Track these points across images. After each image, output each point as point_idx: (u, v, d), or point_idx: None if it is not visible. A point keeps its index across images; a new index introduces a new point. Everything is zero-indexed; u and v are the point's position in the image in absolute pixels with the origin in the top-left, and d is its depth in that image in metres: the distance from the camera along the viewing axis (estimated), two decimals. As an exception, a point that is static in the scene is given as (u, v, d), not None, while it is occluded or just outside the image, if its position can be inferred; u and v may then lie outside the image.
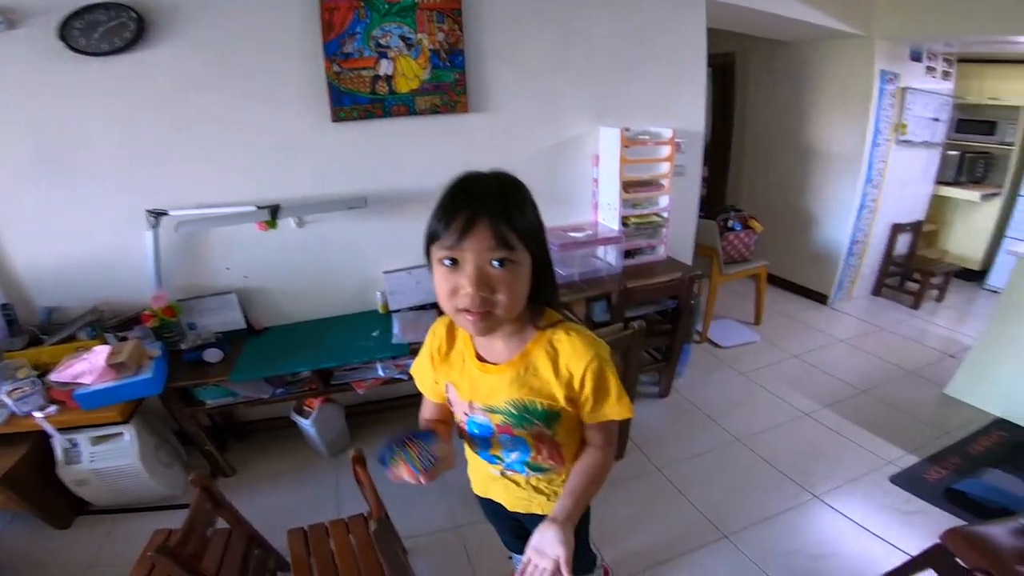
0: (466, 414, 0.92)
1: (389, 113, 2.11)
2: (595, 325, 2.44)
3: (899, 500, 1.92)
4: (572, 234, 2.45)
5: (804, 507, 1.92)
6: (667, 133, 2.43)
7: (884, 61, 3.15)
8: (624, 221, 2.47)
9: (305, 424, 2.14)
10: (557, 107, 2.40)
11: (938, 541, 1.31)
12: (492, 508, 1.12)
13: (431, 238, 0.73)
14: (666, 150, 2.47)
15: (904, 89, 3.31)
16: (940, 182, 3.91)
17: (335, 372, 2.10)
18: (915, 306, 3.68)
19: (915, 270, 3.77)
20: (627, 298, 2.32)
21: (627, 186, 2.43)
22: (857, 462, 2.14)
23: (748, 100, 4.00)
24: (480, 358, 0.88)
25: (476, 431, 0.94)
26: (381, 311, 2.33)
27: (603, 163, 2.50)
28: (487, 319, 0.73)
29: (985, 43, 3.29)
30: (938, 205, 4.04)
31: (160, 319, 2.01)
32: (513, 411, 0.86)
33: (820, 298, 3.78)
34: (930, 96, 3.46)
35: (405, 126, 2.17)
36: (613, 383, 0.84)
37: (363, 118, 2.09)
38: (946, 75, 3.54)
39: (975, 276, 4.05)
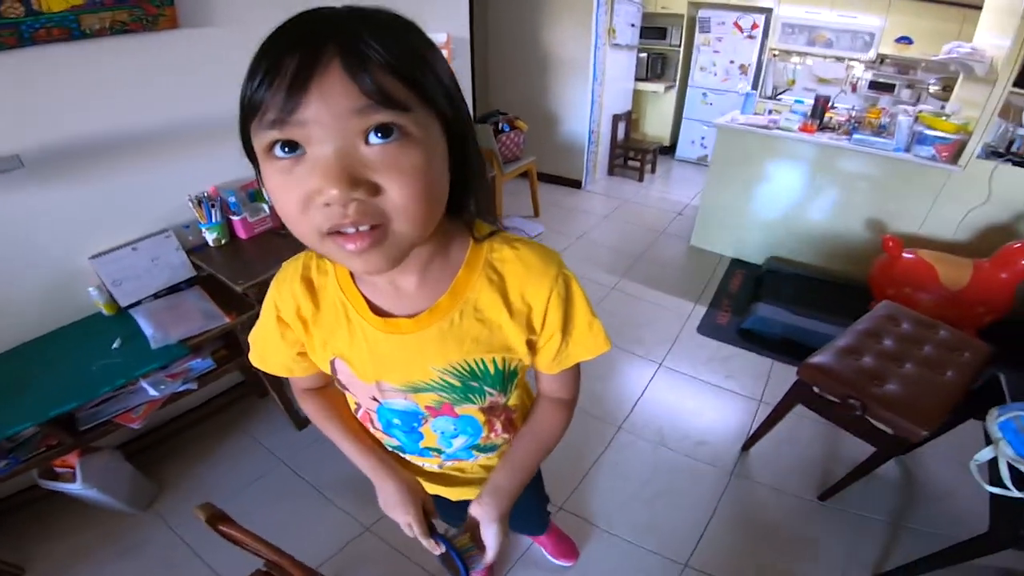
0: (375, 399, 0.61)
1: (31, 40, 1.28)
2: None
3: (713, 349, 2.28)
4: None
5: (659, 377, 2.13)
6: (442, 38, 2.18)
7: (600, -27, 3.38)
8: (411, 134, 2.19)
9: (75, 489, 1.39)
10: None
11: (797, 377, 1.49)
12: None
13: (247, 114, 0.39)
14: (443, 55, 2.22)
15: (613, -1, 3.65)
16: (637, 79, 4.60)
17: (77, 414, 1.37)
18: (640, 179, 4.44)
19: (631, 150, 4.50)
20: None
21: (409, 96, 2.11)
22: (669, 322, 2.47)
23: (489, 10, 3.89)
24: (378, 311, 0.54)
25: (395, 422, 0.62)
26: (108, 312, 1.54)
27: (375, 74, 2.10)
28: (379, 243, 0.40)
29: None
30: (637, 97, 4.78)
31: None
32: (453, 382, 0.57)
33: (575, 184, 4.21)
34: (629, 4, 3.92)
35: (69, 54, 1.34)
36: (583, 307, 0.58)
37: (-24, 51, 1.21)
38: (636, -15, 4.02)
39: (668, 151, 5.09)
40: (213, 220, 1.67)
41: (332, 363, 0.59)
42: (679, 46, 4.67)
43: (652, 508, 1.59)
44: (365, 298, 0.55)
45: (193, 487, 1.63)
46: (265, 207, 1.78)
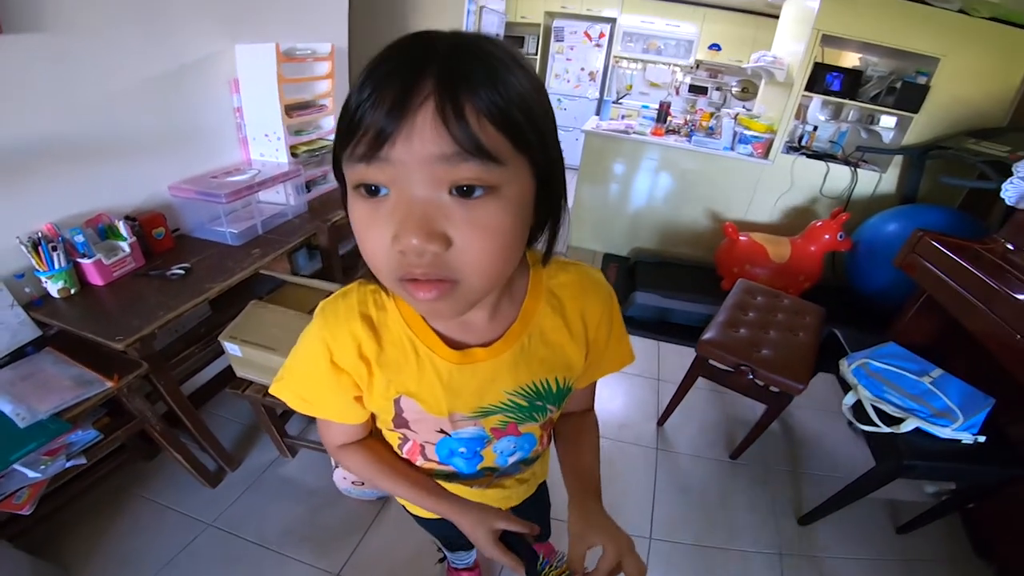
0: (442, 432, 0.58)
1: None
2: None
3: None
4: (232, 179, 1.74)
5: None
6: (325, 48, 1.98)
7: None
8: (293, 151, 1.95)
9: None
10: (169, 22, 1.51)
11: (697, 354, 1.63)
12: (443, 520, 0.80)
13: (342, 139, 0.37)
14: (326, 66, 2.02)
15: (481, 7, 3.63)
16: (501, 85, 4.72)
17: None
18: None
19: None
20: (338, 235, 1.92)
21: (289, 110, 1.88)
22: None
23: (361, 21, 3.62)
24: (450, 342, 0.52)
25: (459, 450, 0.61)
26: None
27: (246, 88, 1.83)
28: (448, 294, 0.38)
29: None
30: (503, 104, 4.91)
31: None
32: (521, 403, 0.57)
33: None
34: (494, 14, 3.94)
35: None
36: (620, 321, 0.61)
37: None
38: (498, -5, 4.05)
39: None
40: (55, 266, 1.31)
41: (397, 402, 0.55)
42: (536, 54, 4.86)
43: (606, 494, 1.62)
44: (433, 332, 0.52)
45: (107, 566, 1.32)
46: (124, 245, 1.45)
